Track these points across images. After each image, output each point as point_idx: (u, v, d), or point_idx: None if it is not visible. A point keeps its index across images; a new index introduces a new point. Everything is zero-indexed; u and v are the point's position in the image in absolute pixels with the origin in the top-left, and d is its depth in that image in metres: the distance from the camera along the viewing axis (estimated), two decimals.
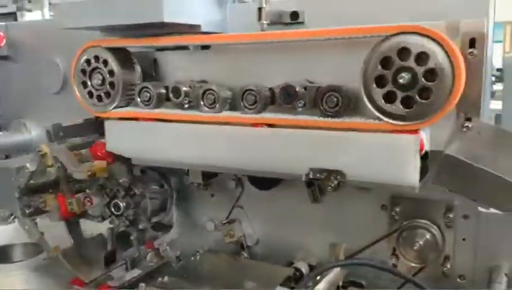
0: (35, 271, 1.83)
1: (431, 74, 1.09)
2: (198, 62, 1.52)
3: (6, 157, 2.22)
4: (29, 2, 4.33)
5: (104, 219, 1.67)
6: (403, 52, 1.11)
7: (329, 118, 1.23)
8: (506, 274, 1.35)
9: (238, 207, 1.75)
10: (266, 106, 1.35)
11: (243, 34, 1.37)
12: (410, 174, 1.15)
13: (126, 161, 1.60)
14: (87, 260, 1.77)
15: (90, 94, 1.55)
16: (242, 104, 1.35)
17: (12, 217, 2.17)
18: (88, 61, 1.53)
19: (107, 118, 1.55)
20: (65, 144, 1.64)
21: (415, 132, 1.13)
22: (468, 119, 1.20)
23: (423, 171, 1.19)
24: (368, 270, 1.51)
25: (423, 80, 1.09)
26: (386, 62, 1.13)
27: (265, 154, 1.34)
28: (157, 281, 1.65)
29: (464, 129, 1.19)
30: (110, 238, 1.76)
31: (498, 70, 4.08)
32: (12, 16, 4.16)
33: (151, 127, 1.48)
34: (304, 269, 1.58)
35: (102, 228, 1.79)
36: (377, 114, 1.15)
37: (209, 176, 1.66)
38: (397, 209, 1.45)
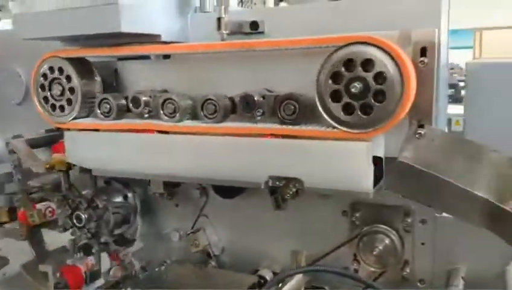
0: None
1: (381, 78, 1.12)
2: (159, 72, 1.52)
3: None
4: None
5: (65, 229, 1.65)
6: (350, 63, 1.13)
7: (287, 126, 1.25)
8: (463, 277, 1.37)
9: (203, 216, 1.75)
10: (227, 115, 1.36)
11: (201, 44, 1.38)
12: (364, 181, 1.17)
13: (89, 172, 1.59)
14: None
15: (50, 105, 1.53)
16: (202, 113, 1.36)
17: None
18: (48, 72, 1.52)
19: (67, 129, 1.54)
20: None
21: (368, 139, 1.16)
22: (421, 126, 1.22)
23: (378, 177, 1.22)
24: (331, 276, 1.52)
25: (374, 83, 1.12)
26: (336, 77, 1.16)
27: (226, 163, 1.35)
28: None
29: (417, 136, 1.21)
30: (73, 249, 1.73)
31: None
32: None
33: (111, 138, 1.47)
34: (268, 276, 1.59)
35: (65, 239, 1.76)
36: (333, 123, 1.17)
37: (172, 186, 1.66)
38: (357, 215, 1.47)
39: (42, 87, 1.53)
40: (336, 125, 1.18)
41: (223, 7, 1.42)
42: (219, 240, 1.75)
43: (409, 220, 1.41)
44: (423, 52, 1.20)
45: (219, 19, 1.43)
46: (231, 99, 1.36)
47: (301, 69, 1.29)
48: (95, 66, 1.55)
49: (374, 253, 1.42)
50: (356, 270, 1.49)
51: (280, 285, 1.39)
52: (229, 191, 1.63)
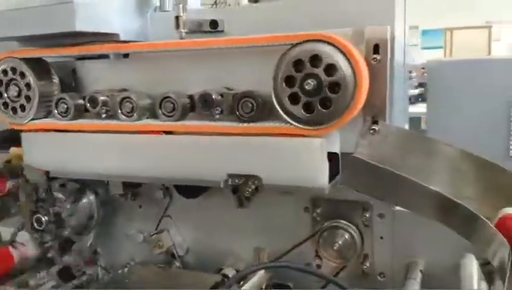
0: None
1: (331, 70, 1.13)
2: (118, 71, 1.50)
3: None
4: None
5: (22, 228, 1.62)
6: (300, 62, 1.15)
7: (244, 124, 1.25)
8: (421, 270, 1.40)
9: (167, 217, 1.74)
10: (186, 113, 1.35)
11: (159, 42, 1.37)
12: (319, 177, 1.18)
13: (47, 174, 1.56)
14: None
15: (6, 106, 1.50)
16: (160, 111, 1.35)
17: None
18: (4, 73, 1.49)
19: (24, 130, 1.51)
20: None
21: (322, 135, 1.17)
22: (375, 122, 1.25)
23: (334, 173, 1.23)
24: (295, 273, 1.53)
25: (326, 77, 1.13)
26: (289, 80, 1.17)
27: (185, 162, 1.35)
28: None
29: (371, 132, 1.23)
30: (57, 254, 1.70)
31: None
32: None
33: (68, 139, 1.45)
34: (232, 275, 1.58)
35: None
36: (285, 117, 1.18)
37: (133, 186, 1.64)
38: (318, 211, 1.49)
39: None
40: (292, 122, 1.19)
41: (181, 6, 1.42)
42: (183, 240, 1.74)
43: (368, 214, 1.43)
44: (376, 49, 1.22)
45: (177, 18, 1.43)
46: (190, 97, 1.36)
47: (259, 67, 1.29)
48: (53, 66, 1.52)
49: (334, 248, 1.44)
50: (319, 266, 1.51)
51: (242, 282, 1.39)
52: (191, 190, 1.63)
